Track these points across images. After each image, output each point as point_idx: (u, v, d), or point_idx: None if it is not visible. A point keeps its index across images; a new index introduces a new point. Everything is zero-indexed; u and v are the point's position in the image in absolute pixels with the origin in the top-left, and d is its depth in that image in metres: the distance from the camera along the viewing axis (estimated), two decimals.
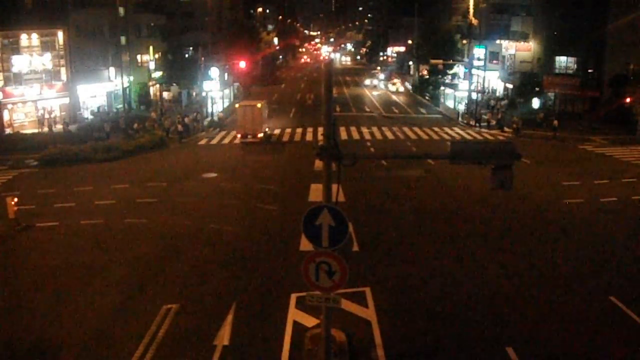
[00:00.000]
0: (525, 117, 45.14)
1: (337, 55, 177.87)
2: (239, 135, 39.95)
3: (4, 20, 39.52)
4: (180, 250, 18.57)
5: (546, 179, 28.37)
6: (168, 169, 31.53)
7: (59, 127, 42.49)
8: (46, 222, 21.62)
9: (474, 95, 51.70)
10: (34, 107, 42.98)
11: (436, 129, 45.43)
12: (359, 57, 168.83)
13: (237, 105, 44.93)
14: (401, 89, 71.38)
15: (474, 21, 56.51)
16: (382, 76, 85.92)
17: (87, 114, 46.64)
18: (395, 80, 73.63)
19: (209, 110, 49.42)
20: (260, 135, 39.25)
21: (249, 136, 39.15)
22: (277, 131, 43.77)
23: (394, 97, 68.83)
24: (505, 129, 44.25)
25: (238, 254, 18.27)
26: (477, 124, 47.10)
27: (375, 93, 72.60)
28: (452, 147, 10.21)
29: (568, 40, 48.14)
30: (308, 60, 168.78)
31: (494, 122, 46.35)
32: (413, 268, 17.06)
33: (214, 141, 40.75)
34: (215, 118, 49.05)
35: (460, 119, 50.39)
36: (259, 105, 40.06)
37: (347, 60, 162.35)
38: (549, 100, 52.03)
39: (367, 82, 77.28)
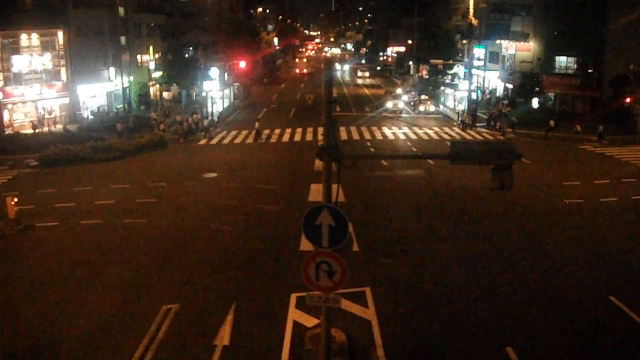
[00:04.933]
0: (525, 117, 45.09)
1: (346, 67, 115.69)
2: (297, 70, 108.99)
3: (4, 20, 39.50)
4: (180, 250, 18.58)
5: (546, 179, 28.37)
6: (168, 169, 31.50)
7: (59, 127, 42.49)
8: (46, 222, 21.62)
9: (473, 95, 51.61)
10: (34, 107, 42.94)
11: (436, 129, 45.41)
12: (364, 61, 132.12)
13: (296, 60, 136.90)
14: (431, 108, 57.36)
15: (474, 21, 56.36)
16: (423, 96, 63.75)
17: (87, 114, 46.61)
18: (424, 97, 59.93)
19: (209, 110, 49.35)
20: (305, 71, 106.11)
21: (302, 70, 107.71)
22: (312, 70, 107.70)
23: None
24: (506, 129, 44.17)
25: (238, 254, 18.28)
26: (477, 124, 47.00)
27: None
28: (452, 147, 10.19)
29: (568, 40, 48.06)
30: (311, 54, 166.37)
31: (493, 122, 46.24)
32: (413, 268, 17.08)
33: (214, 141, 40.73)
34: (216, 118, 49.01)
35: (459, 118, 50.31)
36: (304, 61, 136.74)
37: (364, 77, 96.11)
38: (549, 100, 52.00)
39: (389, 105, 60.57)
